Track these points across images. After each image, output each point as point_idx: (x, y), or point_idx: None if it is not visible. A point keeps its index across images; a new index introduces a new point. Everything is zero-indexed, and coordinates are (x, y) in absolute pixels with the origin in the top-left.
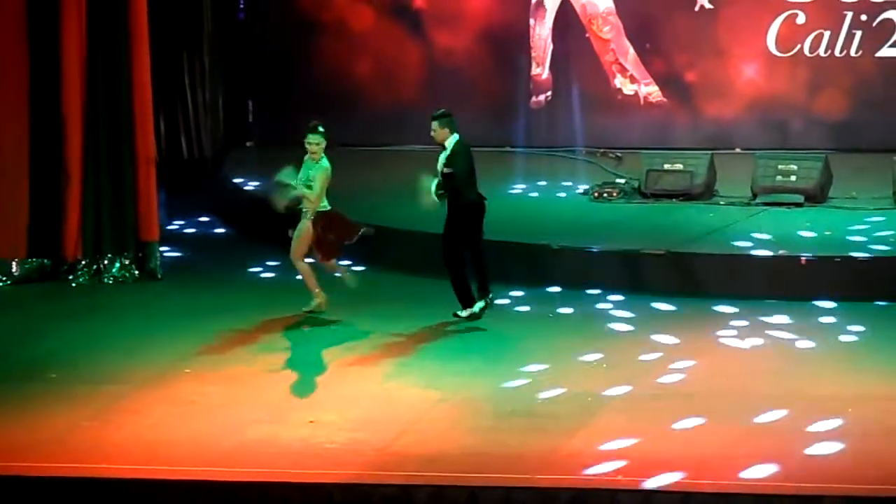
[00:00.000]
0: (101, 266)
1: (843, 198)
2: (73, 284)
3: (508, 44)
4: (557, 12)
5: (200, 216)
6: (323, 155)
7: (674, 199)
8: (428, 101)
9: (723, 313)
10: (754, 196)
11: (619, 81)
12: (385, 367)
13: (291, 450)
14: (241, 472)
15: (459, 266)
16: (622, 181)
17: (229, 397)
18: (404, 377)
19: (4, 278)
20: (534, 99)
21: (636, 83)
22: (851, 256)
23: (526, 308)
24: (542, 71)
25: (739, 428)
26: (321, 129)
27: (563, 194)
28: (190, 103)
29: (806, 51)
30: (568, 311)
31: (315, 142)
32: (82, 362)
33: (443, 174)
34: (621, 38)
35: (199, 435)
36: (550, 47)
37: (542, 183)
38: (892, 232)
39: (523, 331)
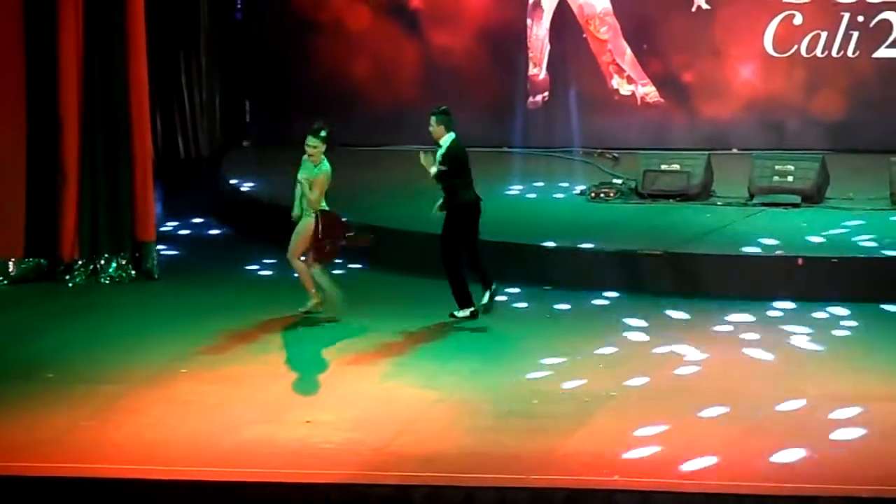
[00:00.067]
0: (98, 266)
1: (840, 198)
2: (70, 284)
3: (505, 44)
4: (555, 12)
5: (197, 216)
6: (323, 157)
7: (671, 200)
8: (425, 100)
9: (722, 313)
10: (751, 196)
11: (616, 82)
12: (382, 366)
13: (288, 450)
14: (238, 472)
15: (457, 266)
16: (619, 181)
17: (226, 397)
18: (402, 377)
19: (1, 278)
20: (531, 99)
21: (633, 83)
22: (851, 257)
23: (523, 308)
24: (539, 71)
25: (737, 428)
26: (323, 133)
27: (560, 195)
28: (187, 103)
29: (803, 51)
30: (565, 311)
31: (313, 144)
32: (79, 362)
33: (438, 172)
34: (618, 38)
35: (197, 435)
36: (548, 47)
37: (539, 183)
38: (873, 235)
39: (521, 331)
